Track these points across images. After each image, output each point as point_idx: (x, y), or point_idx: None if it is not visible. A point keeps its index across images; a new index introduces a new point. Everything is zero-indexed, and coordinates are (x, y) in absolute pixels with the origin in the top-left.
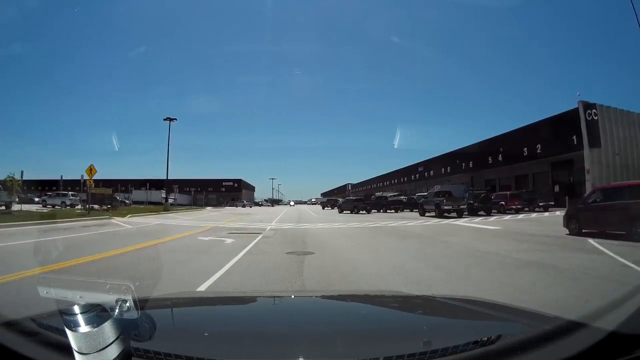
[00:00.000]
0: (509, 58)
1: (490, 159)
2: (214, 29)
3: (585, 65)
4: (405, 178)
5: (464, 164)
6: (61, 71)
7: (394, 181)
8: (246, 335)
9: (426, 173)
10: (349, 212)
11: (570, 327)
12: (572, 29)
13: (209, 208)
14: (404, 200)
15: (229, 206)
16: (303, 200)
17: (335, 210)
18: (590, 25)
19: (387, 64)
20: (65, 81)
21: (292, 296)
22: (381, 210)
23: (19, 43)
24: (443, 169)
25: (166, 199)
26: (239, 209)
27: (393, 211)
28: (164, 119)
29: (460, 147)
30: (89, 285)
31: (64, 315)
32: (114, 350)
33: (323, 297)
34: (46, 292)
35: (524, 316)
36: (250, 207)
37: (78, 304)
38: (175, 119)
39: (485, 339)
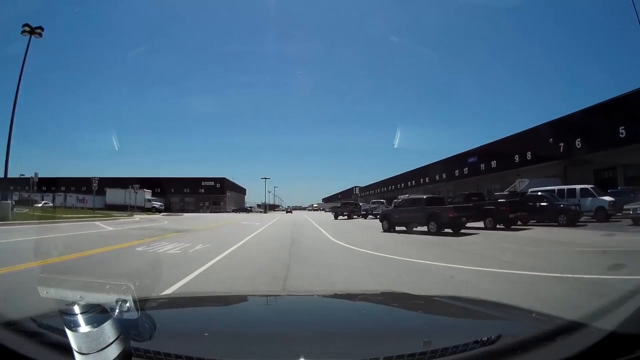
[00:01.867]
0: (510, 58)
1: (622, 132)
2: (214, 29)
3: (586, 67)
4: (443, 175)
5: (561, 144)
6: (61, 71)
7: (423, 180)
8: (246, 335)
9: (482, 165)
10: (402, 227)
11: (570, 327)
12: (573, 31)
13: (157, 215)
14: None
15: (214, 212)
16: (303, 206)
17: (361, 221)
18: (591, 27)
19: (387, 64)
20: (65, 81)
21: (292, 296)
22: (487, 225)
23: (19, 43)
24: (517, 156)
25: (4, 196)
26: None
27: (505, 226)
28: (22, 32)
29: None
30: (89, 285)
31: (64, 315)
32: (114, 350)
33: (323, 297)
34: (46, 292)
35: (524, 316)
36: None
37: (78, 304)
38: (40, 29)
39: (485, 339)
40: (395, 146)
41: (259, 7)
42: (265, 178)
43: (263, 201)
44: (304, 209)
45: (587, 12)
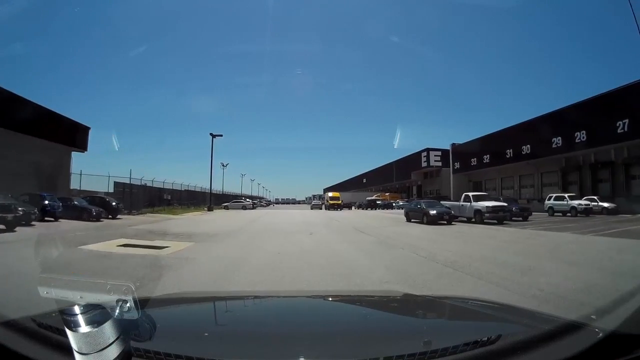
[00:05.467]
0: (509, 58)
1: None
2: (212, 29)
3: (585, 66)
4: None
5: None
6: (60, 71)
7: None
8: (246, 335)
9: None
10: None
11: (570, 327)
12: (572, 30)
13: None
14: None
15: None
16: (297, 199)
17: None
18: (589, 25)
19: (387, 64)
20: (65, 81)
21: (293, 296)
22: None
23: (19, 43)
24: None
25: None
26: None
27: None
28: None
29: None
30: (89, 285)
31: (64, 315)
32: (114, 351)
33: (323, 297)
34: (46, 292)
35: (524, 316)
36: None
37: (78, 304)
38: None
39: (485, 339)
40: (395, 146)
41: (256, 6)
42: (215, 135)
43: (264, 197)
44: (298, 202)
45: (589, 11)
